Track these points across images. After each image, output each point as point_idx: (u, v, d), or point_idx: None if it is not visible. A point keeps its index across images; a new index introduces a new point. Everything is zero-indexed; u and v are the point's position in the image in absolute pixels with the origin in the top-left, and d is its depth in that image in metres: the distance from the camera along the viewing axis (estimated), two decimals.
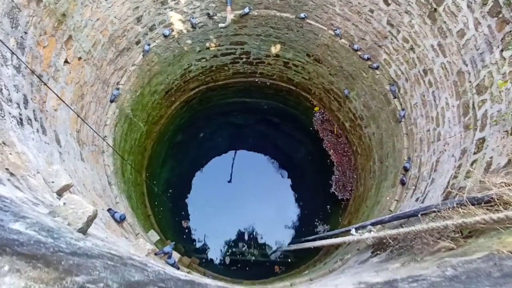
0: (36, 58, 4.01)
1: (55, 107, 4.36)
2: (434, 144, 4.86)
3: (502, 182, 1.99)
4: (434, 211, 2.41)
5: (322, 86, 9.00)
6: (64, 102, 4.44)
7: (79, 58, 5.00)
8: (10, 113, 3.13)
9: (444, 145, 4.49)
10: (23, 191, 2.15)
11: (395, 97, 6.49)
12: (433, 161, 4.66)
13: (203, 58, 8.36)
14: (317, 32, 7.57)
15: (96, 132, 5.45)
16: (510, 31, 3.53)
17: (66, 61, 4.68)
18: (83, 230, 1.95)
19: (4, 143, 2.60)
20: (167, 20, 6.71)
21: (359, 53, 7.10)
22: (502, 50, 3.64)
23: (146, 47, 6.59)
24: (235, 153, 11.10)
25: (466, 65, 4.36)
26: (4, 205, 1.51)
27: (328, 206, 9.81)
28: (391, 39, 6.20)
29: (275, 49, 8.48)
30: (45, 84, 4.04)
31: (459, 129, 4.17)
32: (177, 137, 10.20)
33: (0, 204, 1.48)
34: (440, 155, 4.52)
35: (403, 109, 6.21)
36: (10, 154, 2.57)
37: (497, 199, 1.78)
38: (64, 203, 1.96)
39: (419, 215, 2.80)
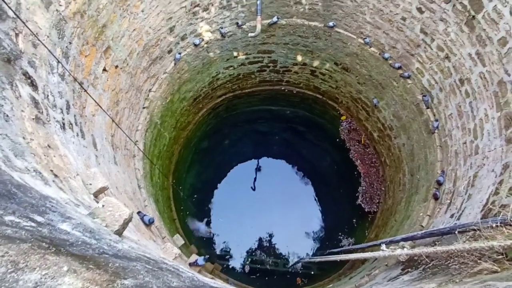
0: (78, 67, 4.27)
1: (93, 112, 4.61)
2: (472, 157, 4.61)
3: None
4: (474, 229, 2.27)
5: (349, 95, 8.86)
6: (102, 108, 4.68)
7: (116, 67, 5.27)
8: (54, 118, 3.34)
9: (483, 159, 4.24)
10: (66, 192, 2.28)
11: (428, 107, 6.25)
12: (470, 175, 4.41)
13: (231, 66, 8.52)
14: (346, 41, 7.50)
15: (128, 137, 5.69)
16: None
17: (104, 69, 4.95)
18: (119, 232, 2.03)
19: (49, 146, 2.78)
20: (198, 30, 6.93)
21: (389, 61, 6.94)
22: None
23: (177, 56, 6.82)
24: (259, 160, 11.13)
25: (509, 75, 4.13)
26: (52, 206, 1.61)
27: (354, 219, 9.53)
28: (425, 47, 6.01)
29: (302, 58, 8.48)
30: (85, 90, 4.29)
31: (500, 143, 3.93)
32: (203, 143, 10.40)
33: (48, 205, 1.57)
34: (478, 170, 4.27)
35: (436, 120, 5.96)
36: (54, 156, 2.74)
37: None
38: (103, 205, 2.06)
39: (456, 233, 2.64)
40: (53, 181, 2.26)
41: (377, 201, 8.69)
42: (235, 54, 8.11)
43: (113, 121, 5.09)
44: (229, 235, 10.16)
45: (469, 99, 4.98)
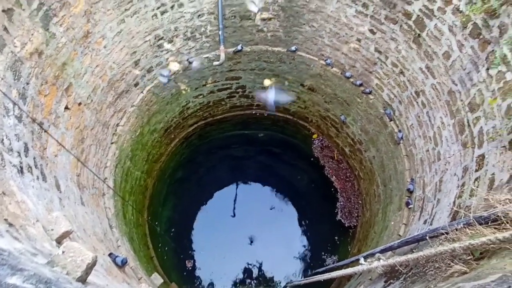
0: (37, 107, 4.12)
1: (56, 153, 4.41)
2: (435, 163, 4.85)
3: (506, 199, 1.96)
4: (442, 233, 2.35)
5: (318, 114, 9.15)
6: (64, 148, 4.49)
7: (79, 104, 5.13)
8: (10, 162, 3.15)
9: (445, 164, 4.47)
10: (21, 242, 2.11)
11: (391, 120, 6.57)
12: (436, 181, 4.61)
13: (200, 94, 8.59)
14: (308, 63, 7.85)
15: (96, 175, 5.46)
16: (493, 50, 3.67)
17: (66, 107, 4.81)
18: (82, 279, 1.89)
19: (4, 193, 2.60)
20: (164, 62, 6.98)
21: (351, 80, 7.30)
22: (487, 69, 3.76)
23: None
24: (237, 186, 11.00)
25: (456, 85, 4.48)
26: (1, 259, 1.48)
27: (336, 236, 9.53)
28: (381, 64, 6.41)
29: (269, 82, 8.74)
30: (45, 131, 4.12)
31: (458, 147, 4.18)
32: (178, 174, 10.18)
33: None
34: (442, 175, 4.49)
35: (400, 131, 6.27)
36: (10, 204, 2.56)
37: (503, 217, 1.74)
38: (63, 252, 1.92)
39: (427, 238, 2.72)
40: (7, 231, 2.09)
41: (356, 215, 8.80)
42: (203, 82, 8.22)
43: (78, 160, 4.88)
44: (212, 267, 9.75)
45: (426, 109, 5.31)
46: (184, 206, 10.32)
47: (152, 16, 6.04)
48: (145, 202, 8.51)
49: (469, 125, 4.03)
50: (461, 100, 4.32)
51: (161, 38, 6.52)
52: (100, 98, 5.71)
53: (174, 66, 7.09)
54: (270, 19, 7.10)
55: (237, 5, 6.74)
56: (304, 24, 7.06)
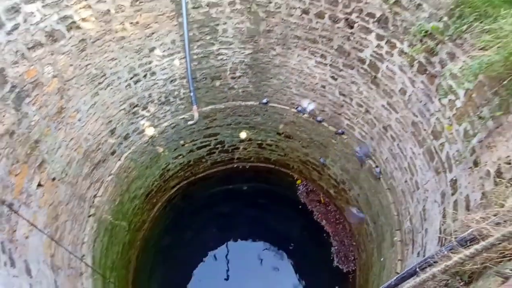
0: (7, 188, 3.97)
1: (27, 234, 4.14)
2: (416, 193, 4.92)
3: (480, 217, 1.99)
4: (431, 263, 2.30)
5: (298, 159, 9.31)
6: (37, 228, 4.25)
7: (53, 179, 5.00)
8: None
9: (425, 192, 4.54)
10: None
11: (367, 156, 6.77)
12: (420, 210, 4.63)
13: (180, 155, 8.63)
14: (281, 112, 8.22)
15: (72, 254, 5.10)
16: (439, 82, 4.04)
17: (39, 185, 4.66)
18: None
19: None
20: (140, 128, 7.11)
21: (323, 123, 7.64)
22: (439, 99, 4.09)
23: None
24: (227, 245, 10.50)
25: (417, 116, 4.78)
26: None
27: (337, 285, 9.00)
28: (347, 106, 6.80)
29: (246, 134, 8.98)
30: (15, 212, 3.92)
31: (432, 174, 4.31)
32: (163, 240, 9.65)
33: None
34: (424, 203, 4.53)
35: (377, 166, 6.43)
36: None
37: (479, 235, 1.75)
38: None
39: (417, 270, 2.63)
40: None
41: (353, 258, 8.47)
42: (181, 143, 8.33)
43: (51, 239, 4.59)
44: None
45: (396, 142, 5.55)
46: (173, 276, 9.59)
47: (126, 86, 6.30)
48: (129, 277, 7.88)
49: (436, 152, 4.22)
50: (425, 130, 4.58)
51: (136, 106, 6.73)
52: (76, 170, 5.61)
53: (150, 131, 7.21)
54: (239, 77, 7.58)
55: (207, 68, 7.20)
56: (271, 78, 7.57)
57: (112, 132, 6.44)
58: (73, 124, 5.39)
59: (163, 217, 9.28)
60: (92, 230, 5.97)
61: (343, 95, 6.72)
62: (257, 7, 6.28)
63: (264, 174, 10.26)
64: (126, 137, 6.86)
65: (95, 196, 6.27)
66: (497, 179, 2.48)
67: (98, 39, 5.41)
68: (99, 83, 5.75)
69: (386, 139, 5.92)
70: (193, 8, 6.12)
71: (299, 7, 6.05)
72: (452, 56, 3.88)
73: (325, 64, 6.60)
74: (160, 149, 7.87)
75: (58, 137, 5.08)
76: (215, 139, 8.92)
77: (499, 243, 1.42)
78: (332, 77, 6.66)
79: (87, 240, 5.77)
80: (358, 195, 7.59)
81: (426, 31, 4.22)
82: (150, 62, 6.37)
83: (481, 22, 3.34)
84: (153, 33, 6.05)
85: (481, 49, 3.17)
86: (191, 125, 7.69)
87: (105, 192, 6.48)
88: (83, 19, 5.07)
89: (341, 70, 6.40)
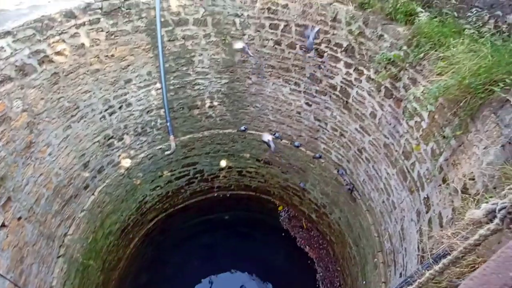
0: None
1: None
2: (393, 213, 5.01)
3: (451, 233, 2.05)
4: (410, 283, 2.30)
5: (279, 185, 9.30)
6: None
7: (19, 218, 4.68)
8: None
9: (401, 212, 4.64)
10: None
11: (345, 179, 6.89)
12: (398, 230, 4.70)
13: (158, 186, 8.40)
14: (259, 139, 8.30)
15: None
16: (405, 105, 4.29)
17: (3, 225, 4.34)
18: None
19: None
20: (116, 160, 6.92)
21: (301, 148, 7.78)
22: (407, 121, 4.31)
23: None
24: (210, 279, 10.03)
25: (388, 138, 4.99)
26: None
27: None
28: (323, 131, 7.00)
29: (226, 162, 8.94)
30: None
31: (406, 193, 4.44)
32: (140, 279, 9.08)
33: None
34: (402, 223, 4.61)
35: (347, 184, 6.55)
36: None
37: (451, 251, 1.80)
38: None
39: None
40: None
41: (338, 284, 8.30)
42: (159, 173, 8.14)
43: (15, 285, 4.21)
44: None
45: (371, 163, 5.72)
46: None
47: (101, 118, 6.20)
48: None
49: (408, 172, 4.38)
50: (396, 151, 4.76)
51: (111, 137, 6.59)
52: (45, 208, 5.30)
53: (126, 163, 7.03)
54: (216, 105, 7.68)
55: (184, 97, 7.27)
56: (248, 105, 7.73)
57: (86, 165, 6.22)
58: (43, 159, 5.17)
59: (140, 253, 8.80)
60: (62, 272, 5.54)
61: (318, 120, 6.94)
62: (232, 39, 6.53)
63: (245, 201, 10.12)
64: (100, 170, 6.63)
65: (65, 234, 5.89)
66: (463, 195, 2.59)
67: (72, 72, 5.37)
68: (72, 116, 5.63)
69: (361, 162, 6.09)
70: (169, 41, 6.28)
71: (271, 39, 6.36)
72: (414, 81, 4.16)
73: (299, 91, 6.85)
74: (137, 181, 7.64)
75: (26, 173, 4.84)
76: (194, 168, 8.80)
77: (463, 256, 1.46)
78: (307, 104, 6.90)
79: (55, 284, 5.33)
80: (339, 218, 7.61)
81: (389, 59, 4.53)
82: (125, 94, 6.36)
83: (435, 51, 3.64)
84: (128, 65, 6.10)
85: (438, 74, 3.43)
86: (168, 155, 7.59)
87: (76, 229, 6.12)
88: (57, 53, 5.05)
89: (314, 97, 6.65)
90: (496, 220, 0.90)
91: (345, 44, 5.45)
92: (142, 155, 7.30)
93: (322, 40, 5.74)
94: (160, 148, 7.52)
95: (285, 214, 9.73)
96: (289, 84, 6.86)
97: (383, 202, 5.42)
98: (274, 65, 6.72)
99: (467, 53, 3.10)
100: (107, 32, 5.49)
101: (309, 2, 5.52)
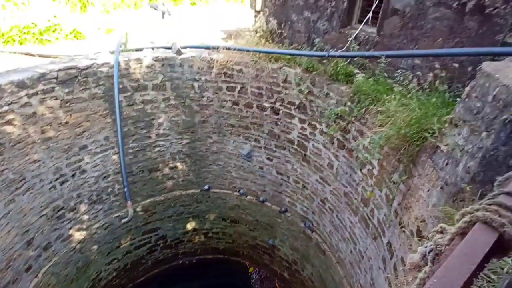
0: None
1: None
2: (361, 262, 4.97)
3: (412, 277, 2.08)
4: None
5: (247, 244, 8.94)
6: None
7: None
8: None
9: (369, 260, 4.63)
10: None
11: (312, 231, 6.84)
12: (369, 280, 4.63)
13: (115, 259, 7.63)
14: (224, 197, 8.17)
15: None
16: (357, 155, 4.59)
17: None
18: None
19: None
20: (66, 234, 6.28)
21: (267, 203, 7.73)
22: (360, 169, 4.57)
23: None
24: None
25: (346, 187, 5.19)
26: None
27: None
28: (286, 184, 7.11)
29: (190, 225, 8.52)
30: None
31: (370, 241, 4.49)
32: None
33: None
34: (371, 272, 4.57)
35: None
36: None
37: None
38: None
39: None
40: None
41: None
42: (117, 244, 7.46)
43: None
44: None
45: (334, 213, 5.81)
46: None
47: (50, 189, 5.77)
48: None
49: (369, 218, 4.50)
50: (355, 199, 4.93)
51: (62, 209, 6.07)
52: None
53: (78, 235, 6.41)
54: (178, 166, 7.57)
55: (143, 160, 7.10)
56: (211, 164, 7.72)
57: (29, 243, 5.56)
58: None
59: None
60: None
61: (280, 174, 7.08)
62: (191, 101, 6.78)
63: (214, 266, 9.46)
64: (46, 247, 5.94)
65: None
66: (417, 238, 2.70)
67: (20, 142, 5.09)
68: (17, 189, 5.18)
69: (326, 212, 6.16)
70: (128, 105, 6.34)
71: (229, 100, 6.70)
72: (361, 133, 4.53)
73: (260, 147, 7.07)
74: (91, 256, 6.89)
75: None
76: (156, 235, 8.23)
77: None
78: (268, 158, 7.08)
79: None
80: (312, 274, 7.35)
81: (337, 114, 4.96)
82: (80, 160, 6.07)
83: (374, 105, 4.09)
84: (84, 131, 5.95)
85: (379, 126, 3.80)
86: (126, 222, 7.08)
87: None
88: (4, 123, 4.82)
89: (274, 151, 6.89)
90: (428, 263, 0.95)
91: (297, 102, 5.90)
92: (97, 225, 6.74)
93: (276, 99, 6.18)
94: (118, 216, 7.03)
95: (257, 276, 9.20)
96: (249, 140, 7.08)
97: (351, 252, 5.39)
98: (233, 124, 6.97)
99: (400, 106, 3.51)
100: (61, 100, 5.43)
101: (261, 67, 6.05)
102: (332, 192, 5.75)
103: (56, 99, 5.37)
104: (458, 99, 2.71)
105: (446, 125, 2.75)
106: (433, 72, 3.90)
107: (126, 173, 6.55)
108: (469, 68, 3.66)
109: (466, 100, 2.49)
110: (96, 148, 6.25)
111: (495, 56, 3.18)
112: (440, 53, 3.75)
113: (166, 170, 7.48)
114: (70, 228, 6.35)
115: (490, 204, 0.83)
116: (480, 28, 3.55)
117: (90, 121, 5.95)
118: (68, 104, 5.54)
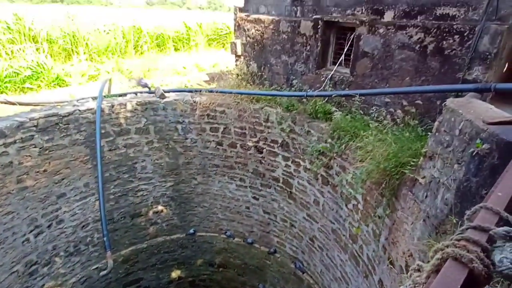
0: None
1: None
2: None
3: None
4: None
5: None
6: None
7: None
8: None
9: None
10: None
11: (303, 272, 6.59)
12: None
13: None
14: (211, 241, 7.86)
15: None
16: (341, 191, 4.61)
17: None
18: None
19: None
20: None
21: (255, 245, 7.48)
22: (346, 205, 4.58)
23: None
24: None
25: (334, 223, 5.13)
26: None
27: None
28: (273, 223, 6.97)
29: (175, 273, 8.05)
30: None
31: (362, 279, 4.35)
32: None
33: None
34: None
35: (315, 282, 6.23)
36: None
37: None
38: None
39: None
40: None
41: None
42: None
43: None
44: None
45: (324, 251, 5.66)
46: None
47: (23, 242, 5.40)
48: None
49: (359, 255, 4.41)
50: (344, 235, 4.87)
51: (35, 263, 5.65)
52: None
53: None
54: (162, 210, 7.33)
55: (125, 206, 6.86)
56: (196, 206, 7.53)
57: None
58: None
59: None
60: None
61: (267, 213, 6.97)
62: (174, 143, 6.79)
63: None
64: None
65: None
66: (406, 274, 2.65)
67: None
68: None
69: (315, 251, 6.00)
70: (110, 150, 6.26)
71: (213, 140, 6.75)
72: (343, 168, 4.61)
73: (246, 187, 7.01)
74: None
75: None
76: (137, 287, 7.67)
77: None
78: (254, 197, 7.00)
79: None
80: None
81: (319, 151, 5.06)
82: (57, 210, 5.80)
83: (353, 141, 4.22)
84: (63, 179, 5.77)
85: (360, 161, 3.90)
86: (105, 275, 6.61)
87: None
88: None
89: (260, 190, 6.83)
90: None
91: (280, 140, 6.01)
92: (73, 279, 6.26)
93: (259, 138, 6.28)
94: (96, 268, 6.58)
95: None
96: (235, 180, 7.03)
97: None
98: (218, 164, 6.96)
99: (377, 142, 3.64)
100: (40, 148, 5.32)
101: (243, 108, 6.22)
102: (320, 229, 5.67)
103: (35, 147, 5.26)
104: (429, 133, 2.85)
105: (422, 158, 2.86)
106: (404, 109, 4.13)
107: (107, 221, 6.26)
108: (438, 102, 3.91)
109: (437, 134, 2.63)
110: (75, 195, 6.02)
111: (458, 92, 3.43)
112: (407, 91, 4.01)
113: (150, 215, 7.22)
114: (43, 285, 5.86)
115: (459, 240, 0.85)
116: (442, 67, 3.86)
117: (70, 167, 5.80)
118: (47, 152, 5.43)
